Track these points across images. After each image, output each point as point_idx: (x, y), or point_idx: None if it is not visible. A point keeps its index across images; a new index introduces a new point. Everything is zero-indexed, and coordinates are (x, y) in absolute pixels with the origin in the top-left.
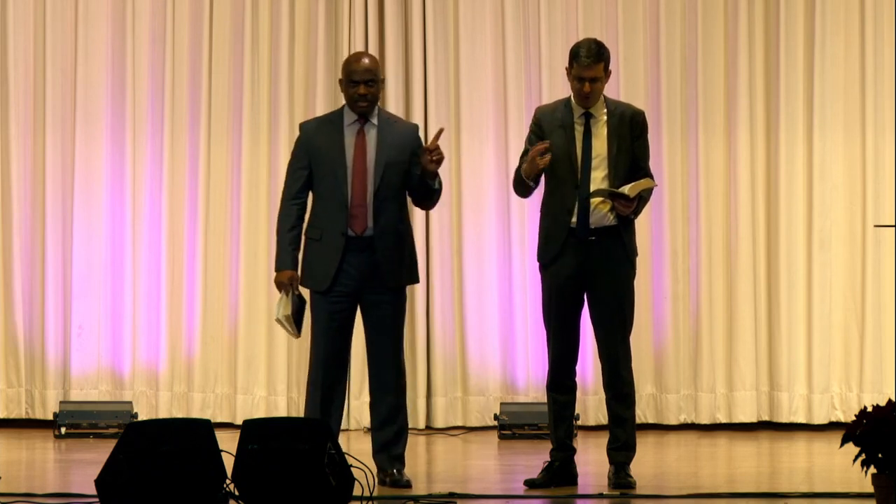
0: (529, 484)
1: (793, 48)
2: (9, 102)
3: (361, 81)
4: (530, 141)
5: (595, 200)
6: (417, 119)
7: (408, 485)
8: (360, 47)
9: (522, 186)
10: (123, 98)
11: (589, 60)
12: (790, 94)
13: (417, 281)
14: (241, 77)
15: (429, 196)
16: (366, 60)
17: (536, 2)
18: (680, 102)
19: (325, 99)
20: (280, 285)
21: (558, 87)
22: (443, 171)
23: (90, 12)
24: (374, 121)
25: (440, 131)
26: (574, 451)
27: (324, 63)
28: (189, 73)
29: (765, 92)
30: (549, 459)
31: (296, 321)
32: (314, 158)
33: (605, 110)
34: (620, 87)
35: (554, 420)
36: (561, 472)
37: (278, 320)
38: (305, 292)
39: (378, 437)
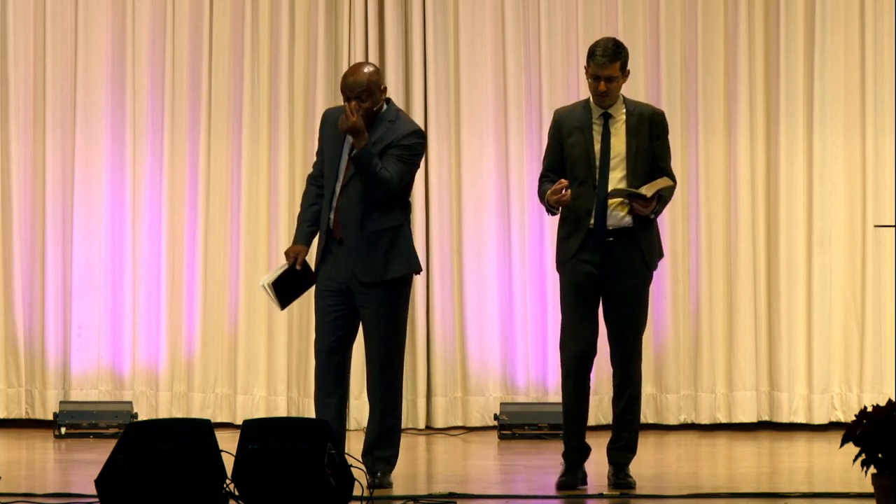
0: (562, 485)
1: (793, 48)
2: (9, 102)
3: (353, 98)
4: (551, 146)
5: (613, 202)
6: (417, 119)
7: (387, 485)
8: (360, 47)
9: (547, 207)
10: (123, 98)
11: (605, 59)
12: (790, 94)
13: (401, 274)
14: (241, 77)
15: (358, 172)
16: (359, 74)
17: (536, 2)
18: (680, 102)
19: (324, 99)
20: (286, 256)
21: (558, 87)
22: (443, 170)
23: (90, 12)
24: (373, 123)
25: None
26: (590, 449)
27: (324, 63)
28: (189, 73)
29: (765, 92)
30: (565, 462)
31: (278, 292)
32: (324, 147)
33: (624, 110)
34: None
35: (576, 420)
36: (581, 469)
37: (262, 286)
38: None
39: (366, 438)
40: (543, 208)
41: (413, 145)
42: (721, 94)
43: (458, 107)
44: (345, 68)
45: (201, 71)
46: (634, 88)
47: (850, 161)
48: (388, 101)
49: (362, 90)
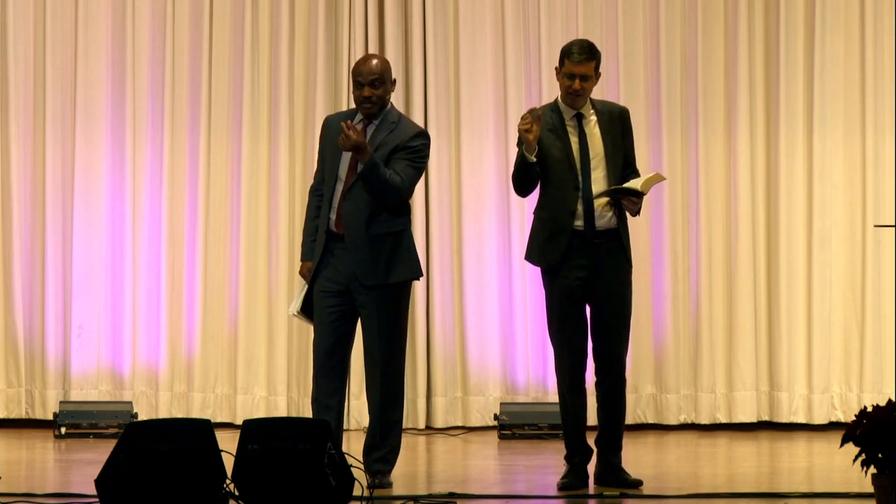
0: (562, 486)
1: (793, 48)
2: (9, 102)
3: (366, 83)
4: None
5: (598, 202)
6: (417, 119)
7: (387, 486)
8: (360, 47)
9: (525, 171)
10: (123, 98)
11: (581, 57)
12: (790, 94)
13: (403, 279)
14: (241, 77)
15: (367, 185)
16: (373, 62)
17: (536, 2)
18: (680, 102)
19: (324, 99)
20: (302, 276)
21: (558, 88)
22: (443, 170)
23: (90, 12)
24: (377, 121)
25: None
26: (592, 451)
27: (324, 63)
28: (189, 73)
29: (765, 92)
30: (568, 464)
31: (307, 314)
32: (326, 152)
33: (593, 110)
34: (620, 87)
35: (576, 424)
36: (584, 472)
37: (291, 314)
38: None
39: (367, 437)
40: (528, 200)
41: (420, 146)
42: (721, 94)
43: (458, 107)
44: (345, 69)
45: (201, 71)
46: (634, 88)
47: (850, 161)
48: (390, 104)
49: (376, 77)
